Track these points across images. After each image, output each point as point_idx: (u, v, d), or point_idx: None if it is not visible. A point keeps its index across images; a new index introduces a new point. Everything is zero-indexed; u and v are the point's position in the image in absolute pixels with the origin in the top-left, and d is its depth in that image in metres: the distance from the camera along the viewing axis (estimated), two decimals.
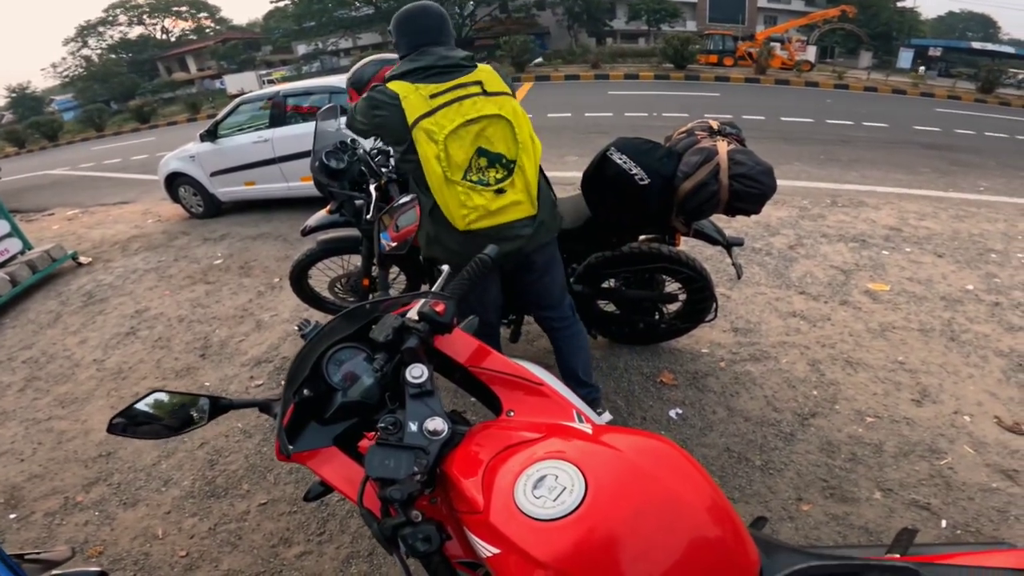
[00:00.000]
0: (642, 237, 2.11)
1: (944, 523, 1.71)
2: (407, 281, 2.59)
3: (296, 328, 0.99)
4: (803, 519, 1.74)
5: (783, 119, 9.04)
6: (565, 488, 0.65)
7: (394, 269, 2.65)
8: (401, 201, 1.76)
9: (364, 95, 1.49)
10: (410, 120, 1.38)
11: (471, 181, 1.42)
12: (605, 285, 2.27)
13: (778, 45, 20.42)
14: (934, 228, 4.00)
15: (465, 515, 0.71)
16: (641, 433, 0.82)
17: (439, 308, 0.91)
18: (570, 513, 0.62)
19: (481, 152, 1.42)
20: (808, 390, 2.29)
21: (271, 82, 20.08)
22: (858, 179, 5.47)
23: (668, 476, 0.69)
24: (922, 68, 20.38)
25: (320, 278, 2.75)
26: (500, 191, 1.46)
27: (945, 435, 2.06)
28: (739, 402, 2.22)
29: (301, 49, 31.67)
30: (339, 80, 4.78)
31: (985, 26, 51.36)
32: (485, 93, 1.43)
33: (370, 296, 2.18)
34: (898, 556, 0.79)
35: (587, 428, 0.86)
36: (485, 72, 1.47)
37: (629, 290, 2.25)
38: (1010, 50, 25.70)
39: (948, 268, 3.37)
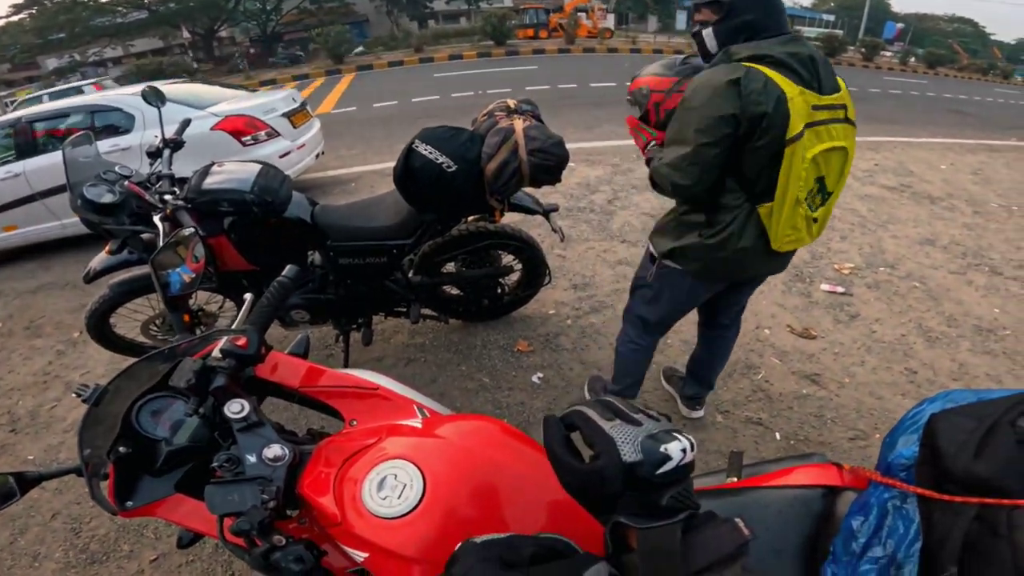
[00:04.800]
0: (471, 218, 2.19)
1: (778, 435, 1.99)
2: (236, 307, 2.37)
3: (75, 395, 0.88)
4: None
5: (592, 85, 9.88)
6: (405, 485, 0.70)
7: (218, 299, 2.39)
8: (188, 230, 1.59)
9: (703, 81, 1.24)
10: (793, 131, 1.18)
11: (807, 205, 1.32)
12: (444, 270, 2.32)
13: (584, 15, 22.11)
14: None
15: (329, 528, 0.73)
16: (466, 417, 0.90)
17: (240, 343, 0.87)
18: (416, 507, 0.67)
19: (818, 179, 1.30)
20: None
21: (14, 103, 16.01)
22: None
23: (496, 452, 0.77)
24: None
25: (130, 322, 2.39)
26: (814, 220, 1.37)
27: (755, 350, 2.43)
28: (590, 354, 2.45)
29: (52, 63, 25.89)
30: (103, 96, 4.11)
31: None
32: (848, 121, 1.29)
33: (197, 331, 1.95)
34: (734, 481, 0.95)
35: (418, 423, 0.91)
36: (847, 95, 1.31)
37: (467, 271, 2.33)
38: None
39: None
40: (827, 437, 1.98)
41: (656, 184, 1.42)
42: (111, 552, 1.78)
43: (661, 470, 0.44)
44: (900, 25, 35.39)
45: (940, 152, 5.85)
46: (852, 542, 0.74)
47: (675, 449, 0.45)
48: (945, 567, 0.60)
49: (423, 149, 1.75)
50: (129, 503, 0.82)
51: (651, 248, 1.59)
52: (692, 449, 0.47)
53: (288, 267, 1.02)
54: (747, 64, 1.20)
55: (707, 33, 1.31)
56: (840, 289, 2.94)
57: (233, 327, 0.99)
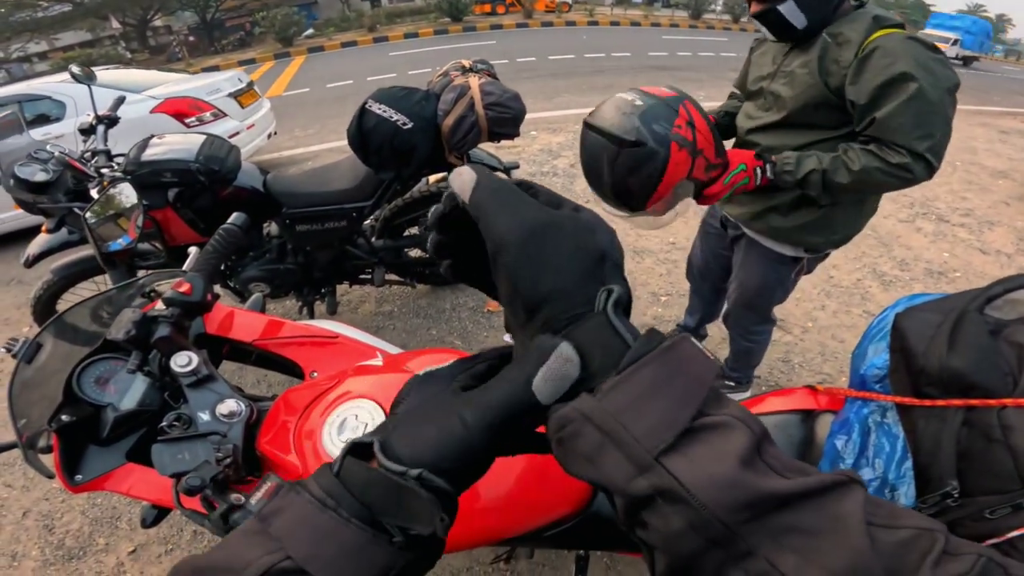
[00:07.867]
0: (432, 179, 2.16)
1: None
2: None
3: (3, 349, 0.82)
4: None
5: (550, 58, 9.80)
6: (367, 423, 0.68)
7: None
8: (126, 194, 1.53)
9: None
10: None
11: None
12: (407, 234, 2.29)
13: None
14: None
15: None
16: (427, 351, 0.88)
17: (183, 288, 0.83)
18: None
19: None
20: None
21: None
22: None
23: None
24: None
25: None
26: None
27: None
28: None
29: None
30: (29, 85, 3.84)
31: None
32: None
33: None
34: None
35: (378, 363, 0.90)
36: None
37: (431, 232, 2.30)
38: None
39: None
40: (796, 381, 2.04)
41: (841, 188, 1.18)
42: (87, 547, 1.75)
43: None
44: None
45: None
46: (839, 464, 0.69)
47: None
48: (944, 481, 0.54)
49: (376, 108, 1.71)
50: (79, 476, 0.78)
51: (789, 252, 1.43)
52: None
53: (235, 214, 0.98)
54: (903, 32, 1.10)
55: (787, 8, 1.12)
56: None
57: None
